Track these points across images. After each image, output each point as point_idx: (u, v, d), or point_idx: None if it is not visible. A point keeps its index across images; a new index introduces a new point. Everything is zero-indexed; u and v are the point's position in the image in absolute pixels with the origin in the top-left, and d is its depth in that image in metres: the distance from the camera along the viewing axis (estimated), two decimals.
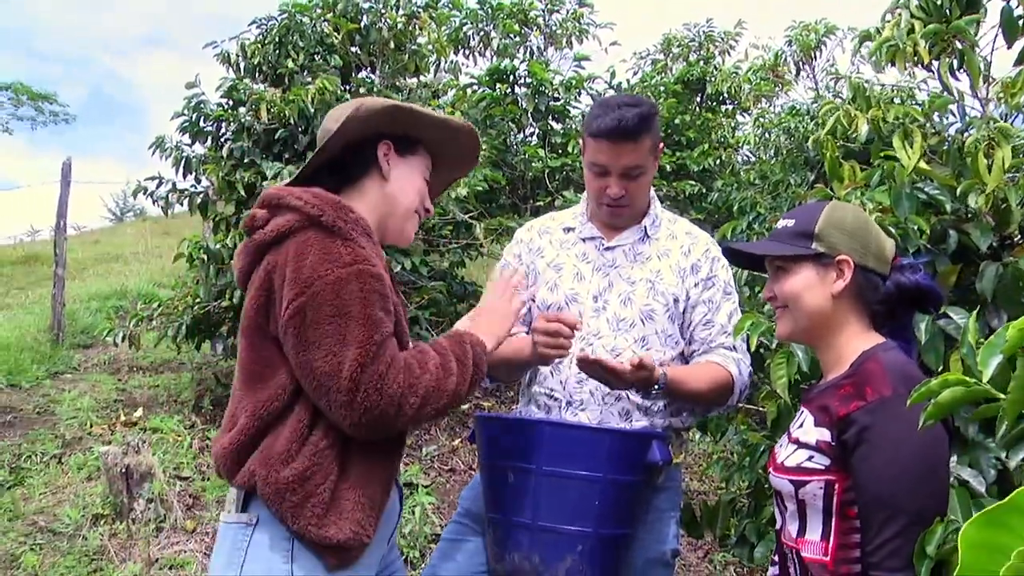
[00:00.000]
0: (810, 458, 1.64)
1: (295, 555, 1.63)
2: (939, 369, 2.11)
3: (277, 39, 5.64)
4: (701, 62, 8.73)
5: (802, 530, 1.66)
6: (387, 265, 1.76)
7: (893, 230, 2.16)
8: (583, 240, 2.30)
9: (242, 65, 5.90)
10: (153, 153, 5.87)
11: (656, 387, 2.06)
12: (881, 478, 1.54)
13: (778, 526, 1.79)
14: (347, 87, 5.68)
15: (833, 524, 1.61)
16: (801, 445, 1.67)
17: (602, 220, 2.29)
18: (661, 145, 2.28)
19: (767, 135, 7.03)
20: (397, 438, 1.79)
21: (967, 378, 1.13)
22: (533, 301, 2.28)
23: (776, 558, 1.83)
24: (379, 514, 1.70)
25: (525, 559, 1.90)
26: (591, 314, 2.20)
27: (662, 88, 8.33)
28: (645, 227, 2.28)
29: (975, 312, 1.30)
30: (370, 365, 1.57)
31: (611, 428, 1.98)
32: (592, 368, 2.02)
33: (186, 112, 5.63)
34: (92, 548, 4.01)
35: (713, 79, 8.35)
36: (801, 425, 1.70)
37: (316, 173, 1.84)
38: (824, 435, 1.63)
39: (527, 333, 2.25)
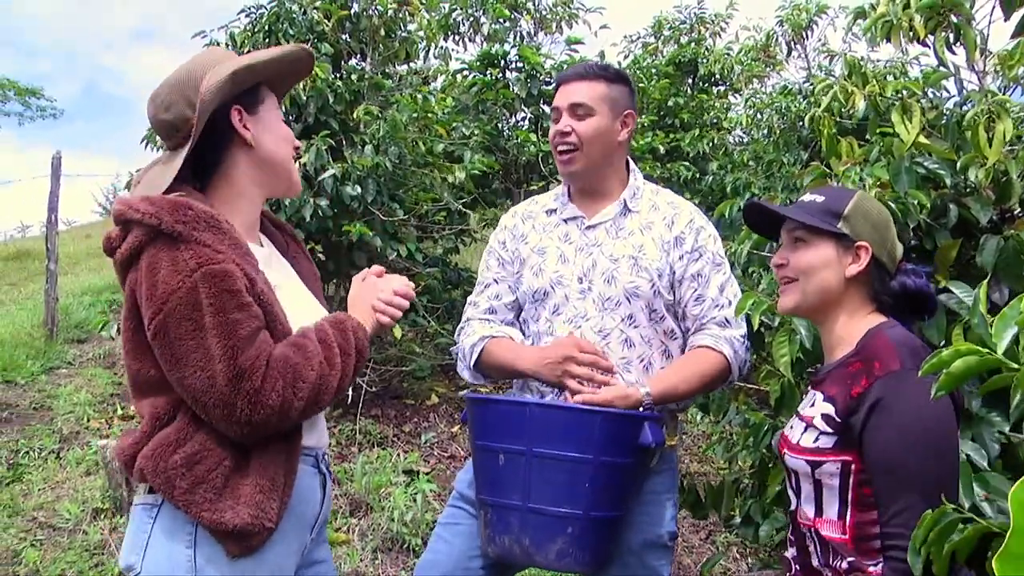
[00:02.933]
0: (821, 436, 1.65)
1: (198, 540, 1.58)
2: (941, 344, 2.10)
3: (267, 27, 5.58)
4: (692, 44, 8.70)
5: (819, 510, 1.67)
6: (246, 250, 1.64)
7: (893, 205, 2.15)
8: (564, 221, 2.28)
9: None
10: (146, 146, 5.84)
11: (642, 407, 2.04)
12: (892, 450, 1.54)
13: (792, 507, 1.79)
14: (338, 74, 5.64)
15: (850, 502, 1.62)
16: (813, 426, 1.68)
17: (562, 173, 2.28)
18: (631, 113, 2.28)
19: (759, 115, 7.01)
20: None
21: (980, 348, 1.12)
22: (519, 288, 2.28)
23: (792, 538, 1.83)
24: (283, 497, 1.62)
25: (515, 542, 1.89)
26: (577, 296, 2.18)
27: (654, 70, 8.30)
28: (625, 200, 2.25)
29: (985, 282, 1.30)
30: (241, 380, 1.51)
31: (602, 409, 1.96)
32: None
33: None
34: (93, 542, 3.99)
35: (705, 61, 8.33)
36: (812, 405, 1.71)
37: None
38: (831, 410, 1.64)
39: (510, 328, 2.28)
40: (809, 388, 1.83)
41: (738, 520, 2.80)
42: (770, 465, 2.57)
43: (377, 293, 1.83)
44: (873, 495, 1.59)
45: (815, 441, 1.67)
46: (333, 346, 1.66)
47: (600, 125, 2.19)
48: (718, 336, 2.18)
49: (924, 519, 1.40)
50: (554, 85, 2.29)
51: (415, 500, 4.27)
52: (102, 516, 4.21)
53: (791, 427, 1.80)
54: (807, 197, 1.82)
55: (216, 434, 1.58)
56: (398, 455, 4.90)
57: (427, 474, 4.69)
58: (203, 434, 1.58)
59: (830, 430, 1.65)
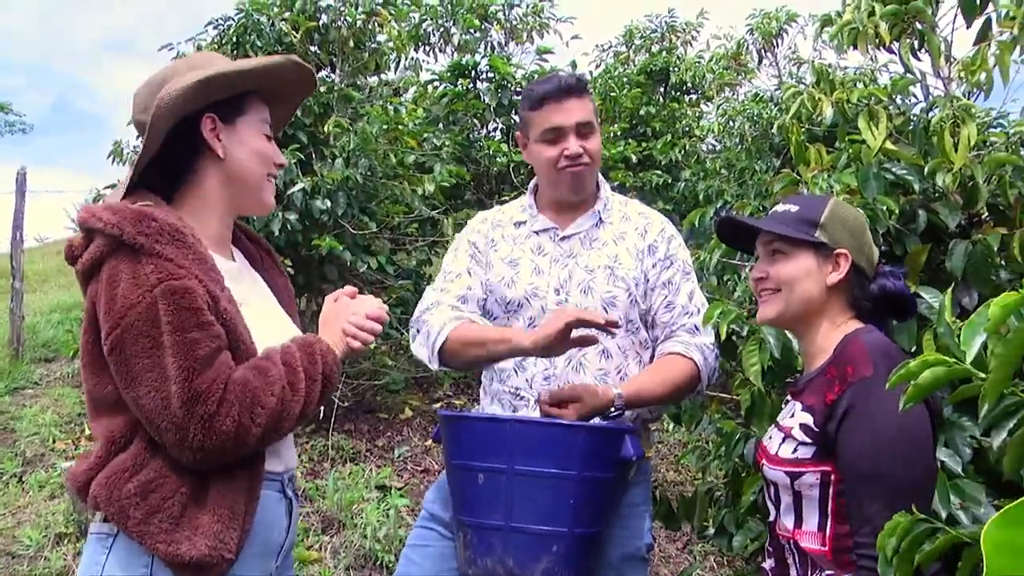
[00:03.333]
0: (800, 446, 1.63)
1: (154, 572, 1.50)
2: (912, 349, 2.09)
3: (234, 39, 5.52)
4: (664, 52, 8.72)
5: (799, 521, 1.65)
6: (211, 265, 1.57)
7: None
8: (536, 233, 2.24)
9: None
10: (112, 161, 5.76)
11: (614, 409, 2.01)
12: (863, 458, 1.53)
13: (771, 518, 1.77)
14: None
15: (830, 513, 1.60)
16: (792, 436, 1.66)
17: (565, 192, 2.20)
18: (599, 122, 2.27)
19: (731, 123, 7.02)
20: None
21: (947, 358, 1.10)
22: (491, 293, 2.23)
23: (771, 548, 1.80)
24: (243, 527, 1.54)
25: (499, 563, 1.84)
26: (553, 307, 2.14)
27: (625, 79, 8.31)
28: (598, 211, 2.23)
29: (950, 290, 1.28)
30: (195, 404, 1.44)
31: (584, 424, 1.93)
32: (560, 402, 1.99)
33: None
34: (55, 569, 3.89)
35: (676, 69, 8.35)
36: (792, 416, 1.69)
37: (148, 175, 1.67)
38: (809, 420, 1.62)
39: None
40: (788, 398, 1.81)
41: (712, 531, 2.77)
42: (743, 474, 2.54)
43: (349, 315, 1.73)
44: (845, 504, 1.56)
45: (794, 452, 1.65)
46: (298, 370, 1.58)
47: (599, 142, 2.22)
48: (688, 343, 2.16)
49: (896, 527, 1.38)
50: (536, 99, 2.16)
51: (388, 516, 4.21)
52: (65, 541, 4.11)
53: (769, 437, 1.78)
54: (780, 207, 1.80)
55: (173, 460, 1.51)
56: (371, 470, 4.84)
57: (400, 489, 4.64)
58: (159, 461, 1.51)
59: (809, 440, 1.62)
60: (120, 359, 1.47)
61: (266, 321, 1.71)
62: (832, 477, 1.59)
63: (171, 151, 1.65)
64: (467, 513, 1.91)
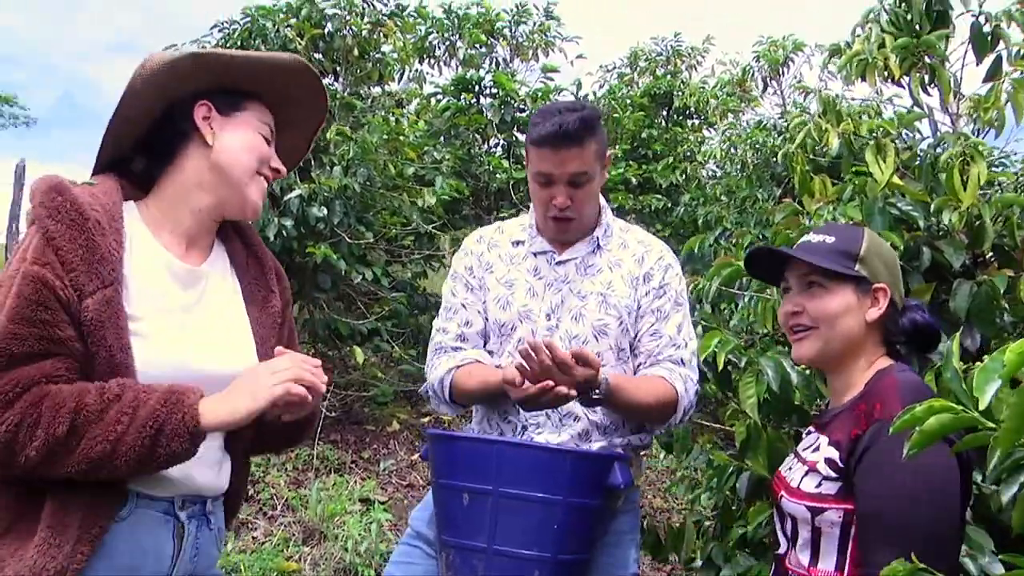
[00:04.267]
0: (824, 481, 1.58)
1: None
2: None
3: (239, 43, 5.50)
4: (668, 76, 8.74)
5: (815, 559, 1.59)
6: (99, 256, 1.42)
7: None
8: (534, 255, 2.20)
9: None
10: None
11: (597, 391, 1.92)
12: (880, 497, 1.47)
13: (781, 550, 1.72)
14: None
15: (848, 555, 1.54)
16: (816, 470, 1.60)
17: (549, 235, 2.18)
18: (609, 153, 2.20)
19: (733, 150, 7.02)
20: None
21: (954, 405, 1.06)
22: (487, 320, 2.19)
23: None
24: (74, 554, 1.36)
25: None
26: (544, 332, 2.09)
27: (628, 101, 8.31)
28: (597, 238, 2.18)
29: (957, 335, 1.24)
30: None
31: (573, 449, 1.89)
32: (536, 359, 1.84)
33: None
34: None
35: (680, 93, 8.36)
36: (816, 449, 1.64)
37: (130, 154, 1.60)
38: (835, 455, 1.57)
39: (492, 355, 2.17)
40: (811, 429, 1.76)
41: (699, 563, 2.73)
42: (733, 507, 2.50)
43: (291, 368, 1.50)
44: (860, 541, 1.51)
45: (817, 486, 1.59)
46: (119, 420, 1.37)
47: (595, 185, 2.13)
48: (673, 371, 2.09)
49: (896, 574, 1.33)
50: (534, 138, 2.07)
51: (370, 530, 4.15)
52: None
53: (789, 468, 1.72)
54: (814, 237, 1.73)
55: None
56: (355, 482, 4.78)
57: (383, 503, 4.58)
58: None
59: (834, 475, 1.57)
60: None
61: (196, 333, 1.56)
62: (854, 517, 1.54)
63: (158, 133, 1.59)
64: (451, 533, 1.87)
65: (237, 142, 1.60)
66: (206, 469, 1.57)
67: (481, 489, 1.80)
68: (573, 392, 1.84)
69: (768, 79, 8.28)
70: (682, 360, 2.11)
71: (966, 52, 2.60)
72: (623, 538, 2.11)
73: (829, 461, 1.59)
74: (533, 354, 1.81)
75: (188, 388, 1.44)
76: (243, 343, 1.65)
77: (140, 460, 1.39)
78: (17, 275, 1.37)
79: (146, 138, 1.60)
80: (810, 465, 1.63)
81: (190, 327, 1.55)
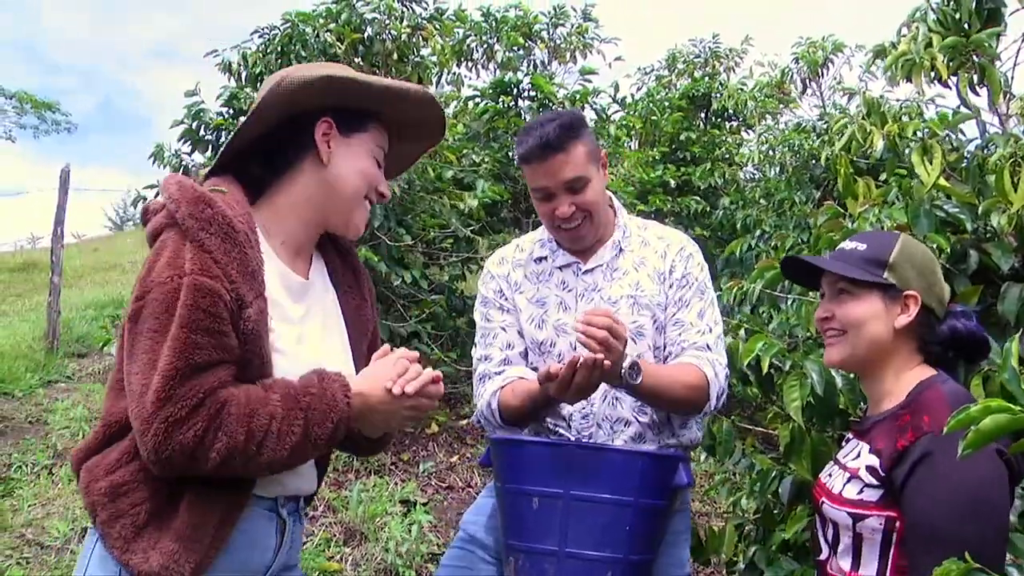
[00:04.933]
0: (865, 488, 1.58)
1: None
2: None
3: (279, 48, 5.58)
4: (706, 78, 8.69)
5: (856, 565, 1.60)
6: (253, 268, 1.49)
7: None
8: (559, 268, 2.19)
9: (243, 74, 5.84)
10: (153, 162, 5.82)
11: (631, 371, 1.88)
12: (931, 509, 1.47)
13: (822, 556, 1.72)
14: None
15: (890, 562, 1.54)
16: (858, 477, 1.61)
17: (567, 247, 2.18)
18: (604, 153, 2.18)
19: (772, 152, 6.97)
20: None
21: (1011, 406, 1.05)
22: (521, 337, 2.18)
23: None
24: (209, 549, 1.45)
25: None
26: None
27: (667, 103, 8.28)
28: (618, 241, 2.17)
29: (1017, 336, 1.23)
30: (167, 404, 1.36)
31: (642, 450, 1.91)
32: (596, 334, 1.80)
33: (186, 120, 5.57)
34: None
35: (718, 95, 8.32)
36: (858, 456, 1.65)
37: (246, 158, 1.63)
38: (876, 463, 1.58)
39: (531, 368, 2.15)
40: (851, 436, 1.76)
41: (742, 566, 2.71)
42: (775, 511, 2.49)
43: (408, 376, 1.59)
44: (908, 553, 1.51)
45: (859, 493, 1.60)
46: (295, 419, 1.46)
47: (596, 186, 2.10)
48: (700, 357, 2.08)
49: (948, 574, 1.32)
50: (521, 158, 2.09)
51: (411, 531, 4.17)
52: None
53: (829, 475, 1.73)
54: (848, 244, 1.75)
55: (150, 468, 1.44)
56: (395, 484, 4.81)
57: (424, 505, 4.60)
58: (137, 464, 1.45)
59: (876, 483, 1.58)
60: (131, 330, 1.43)
61: (310, 346, 1.62)
62: (897, 524, 1.54)
63: (276, 142, 1.61)
64: (519, 538, 1.87)
65: (351, 165, 1.64)
66: (305, 472, 1.67)
67: (551, 492, 1.81)
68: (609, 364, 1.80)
69: (807, 80, 8.21)
70: (708, 345, 2.10)
71: (1019, 51, 2.57)
72: (679, 538, 2.12)
73: (871, 469, 1.59)
74: (588, 329, 1.80)
75: (345, 395, 1.52)
76: (344, 352, 1.71)
77: (305, 461, 1.55)
78: (182, 286, 1.40)
79: (263, 145, 1.63)
80: (852, 472, 1.64)
81: (305, 339, 1.60)
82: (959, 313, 1.69)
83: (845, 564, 1.62)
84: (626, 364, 1.87)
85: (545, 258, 2.22)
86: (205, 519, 1.45)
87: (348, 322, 1.76)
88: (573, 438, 2.07)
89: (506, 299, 2.22)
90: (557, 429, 2.11)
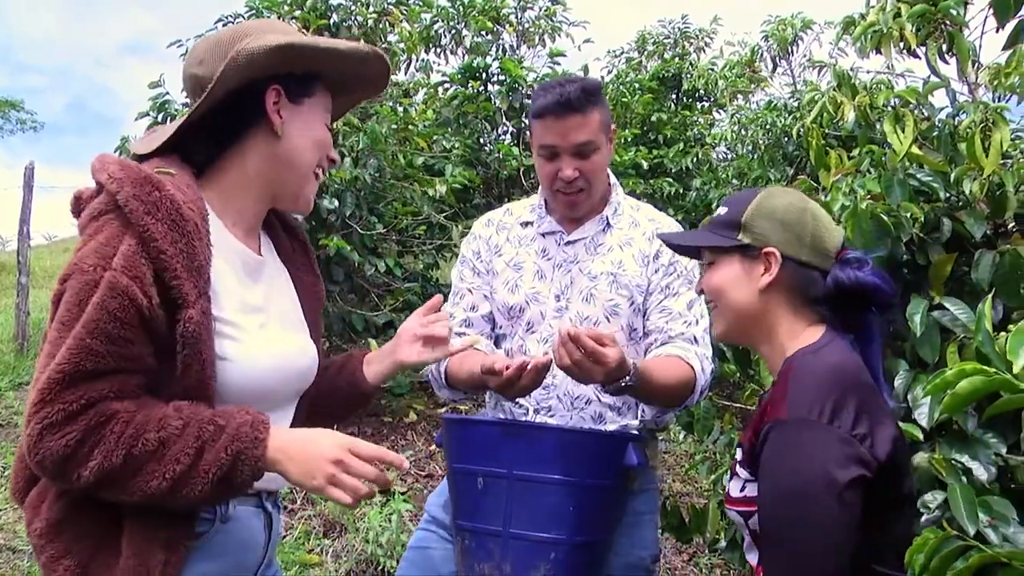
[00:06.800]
0: (746, 485, 1.48)
1: None
2: (935, 362, 2.02)
3: None
4: (676, 59, 8.68)
5: (760, 559, 1.51)
6: (198, 264, 1.34)
7: (885, 217, 2.07)
8: (542, 235, 2.16)
9: None
10: (120, 155, 5.72)
11: (627, 378, 1.84)
12: (763, 508, 1.39)
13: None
14: None
15: None
16: (737, 474, 1.52)
17: (560, 213, 2.14)
18: (614, 127, 2.15)
19: (744, 131, 6.96)
20: None
21: (986, 368, 1.03)
22: (494, 301, 2.15)
23: None
24: (173, 573, 1.33)
25: (496, 569, 1.78)
26: (553, 314, 2.07)
27: (637, 85, 8.26)
28: (607, 216, 2.14)
29: (988, 299, 1.21)
30: (47, 405, 1.24)
31: (587, 430, 1.87)
32: (570, 350, 1.76)
33: (151, 113, 5.48)
34: None
35: (689, 76, 8.31)
36: (739, 448, 1.56)
37: (188, 136, 1.48)
38: (739, 457, 1.50)
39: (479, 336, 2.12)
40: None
41: (723, 543, 2.71)
42: None
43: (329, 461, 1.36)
44: None
45: (741, 491, 1.49)
46: (185, 447, 1.29)
47: (603, 157, 2.08)
48: (688, 350, 2.05)
49: (926, 543, 1.31)
50: (536, 111, 2.03)
51: (390, 521, 4.14)
52: None
53: (728, 476, 1.64)
54: (720, 210, 1.62)
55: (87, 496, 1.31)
56: None
57: (403, 494, 4.57)
58: (72, 496, 1.32)
59: (751, 477, 1.47)
60: (52, 312, 1.31)
61: (272, 333, 1.52)
62: None
63: (222, 116, 1.47)
64: (466, 518, 1.85)
65: (305, 135, 1.53)
66: None
67: (495, 472, 1.78)
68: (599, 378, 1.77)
69: (777, 58, 8.20)
70: (695, 338, 2.07)
71: (986, 19, 2.56)
72: (641, 519, 2.09)
73: (741, 463, 1.51)
74: (563, 349, 1.75)
75: (255, 430, 1.34)
76: (304, 332, 1.64)
77: (199, 500, 1.32)
78: (101, 281, 1.26)
79: (205, 122, 1.48)
80: (732, 468, 1.55)
81: (268, 323, 1.51)
82: (848, 261, 1.50)
83: (752, 559, 1.54)
84: (626, 379, 1.82)
85: (531, 223, 2.19)
86: (148, 547, 1.32)
87: (304, 302, 1.68)
88: (532, 409, 2.04)
89: (481, 261, 2.20)
90: (518, 401, 2.07)
